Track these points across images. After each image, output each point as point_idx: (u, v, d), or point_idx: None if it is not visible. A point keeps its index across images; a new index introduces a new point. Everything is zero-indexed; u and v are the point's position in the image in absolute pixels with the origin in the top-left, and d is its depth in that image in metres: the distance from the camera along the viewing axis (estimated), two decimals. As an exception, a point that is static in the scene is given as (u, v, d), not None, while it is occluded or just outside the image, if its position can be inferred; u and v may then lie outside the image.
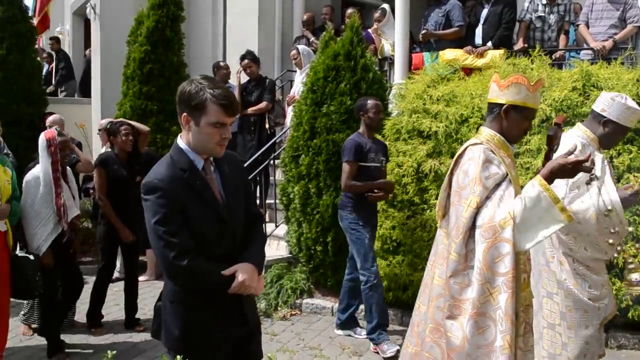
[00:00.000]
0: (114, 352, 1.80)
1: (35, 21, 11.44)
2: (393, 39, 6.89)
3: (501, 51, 5.82)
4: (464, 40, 6.44)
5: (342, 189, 4.58)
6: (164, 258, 2.13)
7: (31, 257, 4.03)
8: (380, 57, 6.99)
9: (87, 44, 11.97)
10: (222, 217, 2.25)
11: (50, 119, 6.76)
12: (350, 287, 4.71)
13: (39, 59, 8.18)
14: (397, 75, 6.66)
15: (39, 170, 4.26)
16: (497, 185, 2.38)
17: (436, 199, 4.81)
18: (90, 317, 4.93)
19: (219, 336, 2.29)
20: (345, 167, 4.49)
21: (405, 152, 4.99)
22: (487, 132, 2.56)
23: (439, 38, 6.40)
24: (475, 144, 2.50)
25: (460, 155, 2.53)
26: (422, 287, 2.74)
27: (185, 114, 2.18)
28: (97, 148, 8.65)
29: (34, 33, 8.15)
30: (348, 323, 4.78)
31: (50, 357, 4.31)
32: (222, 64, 7.19)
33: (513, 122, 2.50)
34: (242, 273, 2.21)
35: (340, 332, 4.82)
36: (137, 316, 5.05)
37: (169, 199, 2.13)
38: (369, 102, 4.57)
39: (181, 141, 2.24)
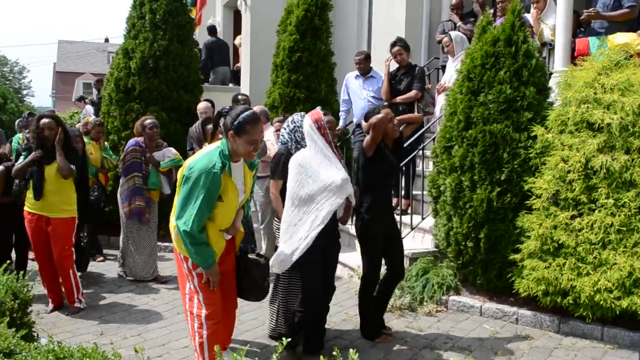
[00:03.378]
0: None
1: (195, 14, 12.19)
2: (553, 22, 6.39)
3: (685, 35, 5.16)
4: (637, 22, 5.80)
5: None
6: None
7: (261, 260, 3.68)
8: (539, 42, 6.52)
9: (236, 34, 12.52)
10: None
11: (199, 106, 7.14)
12: None
13: (195, 49, 8.64)
14: (558, 62, 6.17)
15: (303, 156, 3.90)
16: None
17: (607, 198, 4.40)
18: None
19: None
20: None
21: (571, 146, 4.58)
22: None
23: (607, 20, 5.82)
24: None
25: None
26: None
27: None
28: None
29: (193, 24, 8.62)
30: None
31: None
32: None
33: None
34: None
35: None
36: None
37: None
38: None
39: None
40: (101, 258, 7.02)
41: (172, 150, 6.17)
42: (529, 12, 6.69)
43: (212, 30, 11.71)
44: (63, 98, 42.11)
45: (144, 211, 5.94)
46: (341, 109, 7.23)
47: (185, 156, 7.50)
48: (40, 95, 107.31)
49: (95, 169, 6.83)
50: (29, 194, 5.03)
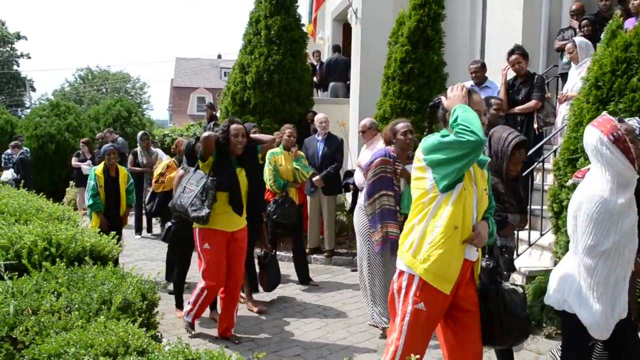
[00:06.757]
0: None
1: (306, 28, 12.64)
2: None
3: None
4: None
5: None
6: None
7: (518, 287, 2.95)
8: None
9: (344, 47, 12.67)
10: None
11: (317, 117, 7.36)
12: None
13: (308, 62, 8.84)
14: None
15: None
16: None
17: None
18: None
19: None
20: None
21: None
22: None
23: None
24: None
25: None
26: None
27: None
28: (354, 147, 9.07)
29: (305, 38, 8.82)
30: None
31: None
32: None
33: None
34: None
35: None
36: None
37: None
38: None
39: None
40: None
41: None
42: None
43: (335, 48, 12.36)
44: (179, 111, 44.76)
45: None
46: (454, 120, 7.04)
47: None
48: (158, 109, 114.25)
49: (285, 182, 6.18)
50: (218, 211, 4.51)
